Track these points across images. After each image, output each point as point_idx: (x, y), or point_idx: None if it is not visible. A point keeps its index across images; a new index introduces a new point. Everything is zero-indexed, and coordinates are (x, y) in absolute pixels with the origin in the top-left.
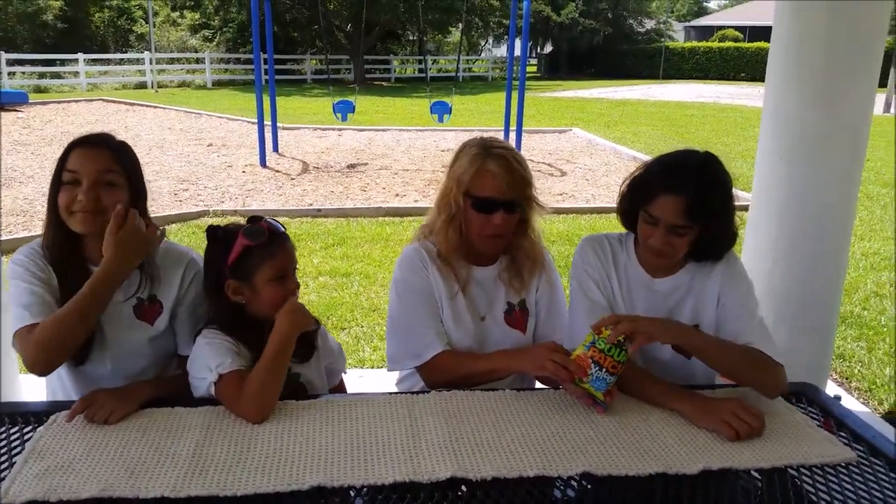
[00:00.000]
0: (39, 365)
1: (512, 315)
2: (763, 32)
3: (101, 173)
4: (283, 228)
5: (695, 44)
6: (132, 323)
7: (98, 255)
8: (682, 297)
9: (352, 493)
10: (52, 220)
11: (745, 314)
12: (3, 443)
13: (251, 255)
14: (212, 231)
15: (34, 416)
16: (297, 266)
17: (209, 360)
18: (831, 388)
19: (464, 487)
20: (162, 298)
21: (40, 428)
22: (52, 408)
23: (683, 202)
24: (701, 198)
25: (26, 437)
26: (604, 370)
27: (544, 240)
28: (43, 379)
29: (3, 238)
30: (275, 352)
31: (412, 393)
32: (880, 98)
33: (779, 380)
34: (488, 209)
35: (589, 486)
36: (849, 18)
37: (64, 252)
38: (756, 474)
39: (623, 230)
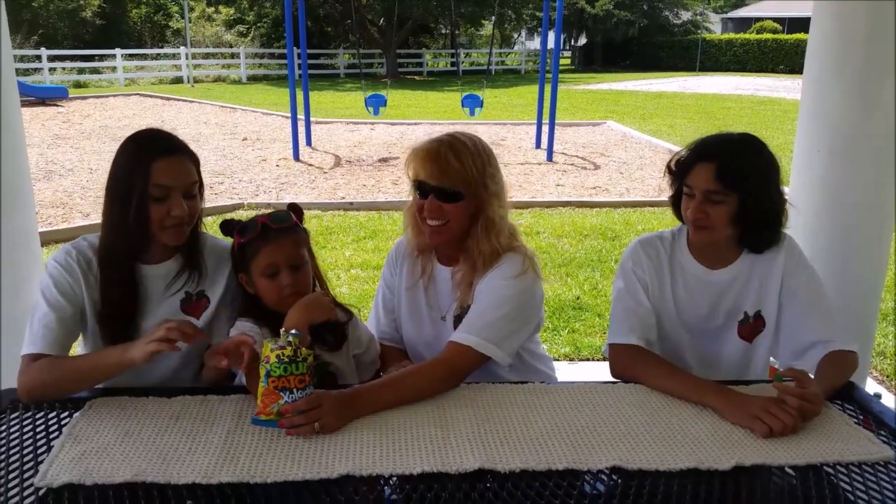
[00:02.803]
0: (27, 400)
1: (462, 318)
2: (802, 23)
3: (189, 186)
4: (287, 223)
5: (732, 35)
6: (178, 317)
7: (150, 256)
8: (742, 288)
9: (380, 482)
10: (118, 227)
11: (813, 306)
12: (42, 427)
13: (244, 249)
14: (225, 224)
15: (71, 401)
16: (302, 260)
17: None
18: (871, 386)
19: (491, 479)
20: (210, 294)
21: (76, 413)
22: (88, 394)
23: (715, 167)
24: (731, 163)
25: (63, 421)
26: (296, 390)
27: (574, 235)
28: None
29: (43, 230)
30: None
31: None
32: None
33: (854, 367)
34: (421, 193)
35: (619, 480)
36: (888, 13)
37: (122, 255)
38: (790, 471)
39: (671, 226)
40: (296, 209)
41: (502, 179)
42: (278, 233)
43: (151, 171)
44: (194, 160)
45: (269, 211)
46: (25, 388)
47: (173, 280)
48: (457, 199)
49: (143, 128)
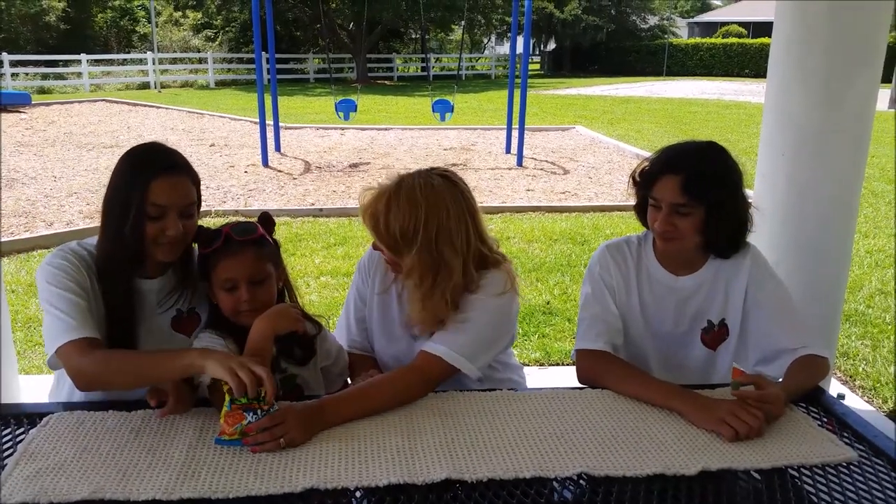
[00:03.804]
0: (82, 387)
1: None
2: (767, 28)
3: (186, 206)
4: (249, 236)
5: (698, 40)
6: (169, 335)
7: (144, 270)
8: (707, 295)
9: (346, 495)
10: (114, 240)
11: (781, 315)
12: None
13: (206, 260)
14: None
15: (27, 417)
16: (264, 275)
17: None
18: (835, 387)
19: (459, 489)
20: (201, 311)
21: (32, 430)
22: (45, 409)
23: (681, 180)
24: (698, 175)
25: (18, 438)
26: (259, 411)
27: (544, 240)
28: (43, 381)
29: (4, 240)
30: (249, 351)
31: None
32: (884, 94)
33: (825, 373)
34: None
35: (587, 487)
36: (850, 16)
37: (119, 266)
38: (756, 475)
39: (638, 230)
40: (266, 220)
41: (471, 211)
42: (241, 245)
43: (149, 189)
44: (194, 179)
45: (239, 220)
46: (78, 374)
47: (166, 296)
48: (404, 255)
49: (146, 141)
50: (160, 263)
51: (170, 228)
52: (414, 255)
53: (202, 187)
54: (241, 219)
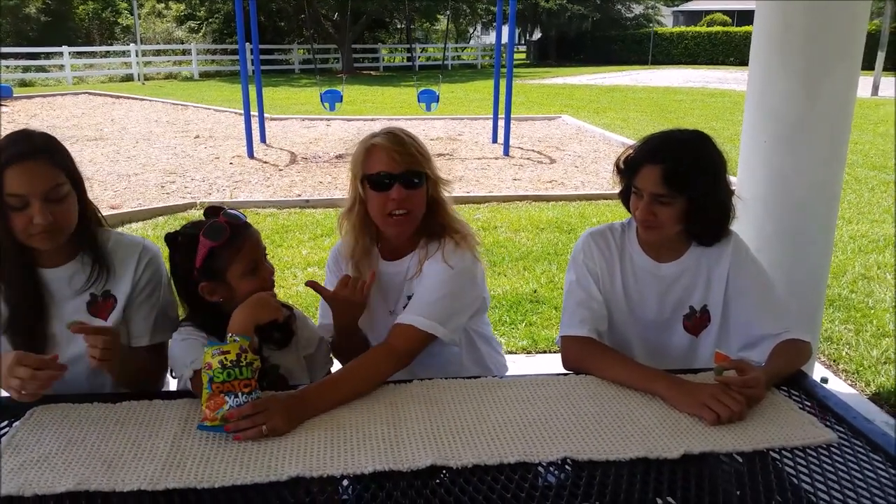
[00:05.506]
0: None
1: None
2: (751, 16)
3: (50, 191)
4: (243, 218)
5: (683, 28)
6: (88, 320)
7: (49, 259)
8: (690, 282)
9: (332, 483)
10: None
11: (763, 301)
12: None
13: (217, 254)
14: (171, 238)
15: (10, 410)
16: (267, 253)
17: (185, 356)
18: (819, 371)
19: (444, 475)
20: (116, 293)
21: (16, 422)
22: (28, 402)
23: (662, 170)
24: (679, 166)
25: (2, 431)
26: (241, 394)
27: (531, 229)
28: None
29: None
30: None
31: (394, 382)
32: (867, 81)
33: (807, 357)
34: (384, 185)
35: (571, 472)
36: (828, 11)
37: (9, 261)
38: (738, 457)
39: (622, 217)
40: (218, 209)
41: None
42: (245, 229)
43: (3, 180)
44: (58, 161)
45: (196, 220)
46: None
47: (77, 282)
48: (420, 184)
49: (11, 131)
50: (63, 250)
51: (36, 216)
52: (430, 168)
53: (188, 179)
54: (196, 214)
